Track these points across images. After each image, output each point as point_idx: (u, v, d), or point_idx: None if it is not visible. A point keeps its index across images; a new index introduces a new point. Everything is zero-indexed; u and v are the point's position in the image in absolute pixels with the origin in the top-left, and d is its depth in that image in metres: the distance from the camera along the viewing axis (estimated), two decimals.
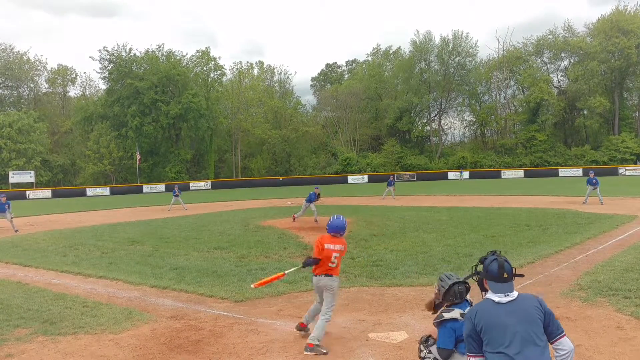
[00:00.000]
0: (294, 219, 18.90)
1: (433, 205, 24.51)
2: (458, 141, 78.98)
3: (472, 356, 3.04)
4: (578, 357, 4.88)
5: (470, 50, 70.14)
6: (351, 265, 10.29)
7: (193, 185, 61.02)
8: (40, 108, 71.85)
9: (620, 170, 54.22)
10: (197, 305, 7.80)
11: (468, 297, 4.20)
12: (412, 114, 72.58)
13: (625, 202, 22.41)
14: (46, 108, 74.09)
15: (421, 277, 9.06)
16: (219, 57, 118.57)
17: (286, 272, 6.39)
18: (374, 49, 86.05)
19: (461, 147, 74.29)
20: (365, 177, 63.96)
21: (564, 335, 3.02)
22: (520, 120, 69.55)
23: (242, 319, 6.99)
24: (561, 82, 71.42)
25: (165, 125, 66.50)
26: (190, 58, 72.26)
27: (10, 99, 73.58)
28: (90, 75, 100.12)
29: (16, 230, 19.36)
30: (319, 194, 19.67)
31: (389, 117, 71.99)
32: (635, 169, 54.24)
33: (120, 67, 66.62)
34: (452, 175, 61.40)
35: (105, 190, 59.09)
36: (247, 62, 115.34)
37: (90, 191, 58.03)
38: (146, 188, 60.48)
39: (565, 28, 68.25)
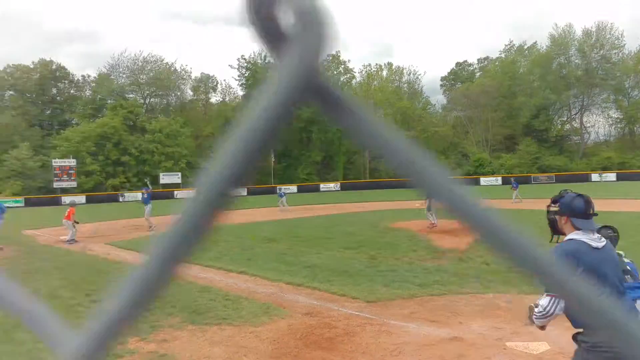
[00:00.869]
0: (434, 225, 17.46)
1: None
2: (602, 140, 71.83)
3: (555, 297, 2.69)
4: None
5: (615, 42, 63.46)
6: (485, 270, 9.72)
7: (323, 186, 62.72)
8: (185, 114, 77.86)
9: None
10: (330, 303, 7.91)
11: None
12: (549, 112, 67.68)
13: None
14: (190, 114, 79.89)
15: None
16: (349, 60, 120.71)
17: None
18: (506, 45, 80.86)
19: (606, 147, 67.36)
20: (499, 179, 59.69)
21: None
22: None
23: (374, 319, 6.92)
24: None
25: (297, 128, 69.17)
26: (320, 62, 74.21)
27: (160, 107, 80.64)
28: (229, 83, 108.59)
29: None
30: None
31: (524, 116, 67.71)
32: None
33: (256, 73, 70.70)
34: (595, 177, 55.48)
35: (243, 191, 63.02)
36: (376, 64, 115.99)
37: None
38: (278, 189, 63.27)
39: None
